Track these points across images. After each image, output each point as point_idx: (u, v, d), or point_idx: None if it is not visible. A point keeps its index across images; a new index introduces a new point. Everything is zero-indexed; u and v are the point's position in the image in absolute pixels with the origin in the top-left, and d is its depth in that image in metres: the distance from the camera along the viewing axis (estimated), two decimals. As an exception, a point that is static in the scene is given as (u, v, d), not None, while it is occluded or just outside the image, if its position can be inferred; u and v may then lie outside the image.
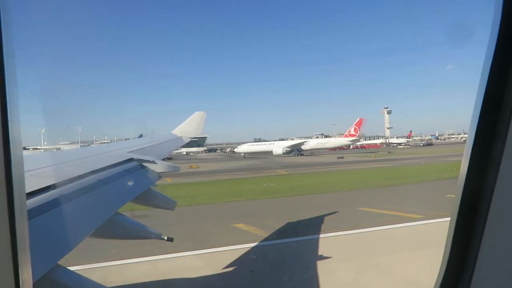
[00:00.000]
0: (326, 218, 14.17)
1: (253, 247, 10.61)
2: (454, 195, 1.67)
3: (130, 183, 3.79)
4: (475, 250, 1.55)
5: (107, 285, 6.58)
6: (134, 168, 4.37)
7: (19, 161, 1.20)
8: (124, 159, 4.48)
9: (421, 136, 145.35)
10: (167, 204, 4.58)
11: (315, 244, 10.52)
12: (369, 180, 27.51)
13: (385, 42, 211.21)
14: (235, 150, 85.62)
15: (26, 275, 1.23)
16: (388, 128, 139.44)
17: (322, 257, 9.20)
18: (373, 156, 58.78)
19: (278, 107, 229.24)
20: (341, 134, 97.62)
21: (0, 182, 1.13)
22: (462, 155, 1.59)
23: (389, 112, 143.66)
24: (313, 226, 12.96)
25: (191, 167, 46.28)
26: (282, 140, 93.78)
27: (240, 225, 13.93)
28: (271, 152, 78.75)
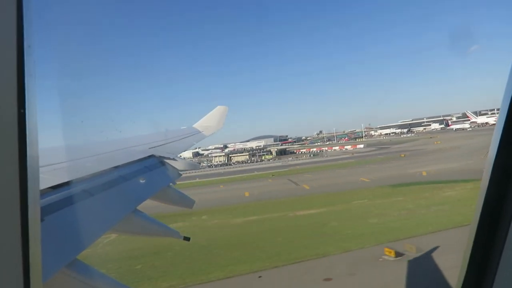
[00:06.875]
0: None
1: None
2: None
3: (150, 181, 3.79)
4: (497, 257, 1.48)
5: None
6: (155, 165, 4.39)
7: (34, 159, 1.19)
8: (146, 155, 4.50)
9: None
10: (185, 202, 4.58)
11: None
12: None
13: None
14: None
15: (36, 271, 1.22)
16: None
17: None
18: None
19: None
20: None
21: (14, 178, 1.12)
22: None
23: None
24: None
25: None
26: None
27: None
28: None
